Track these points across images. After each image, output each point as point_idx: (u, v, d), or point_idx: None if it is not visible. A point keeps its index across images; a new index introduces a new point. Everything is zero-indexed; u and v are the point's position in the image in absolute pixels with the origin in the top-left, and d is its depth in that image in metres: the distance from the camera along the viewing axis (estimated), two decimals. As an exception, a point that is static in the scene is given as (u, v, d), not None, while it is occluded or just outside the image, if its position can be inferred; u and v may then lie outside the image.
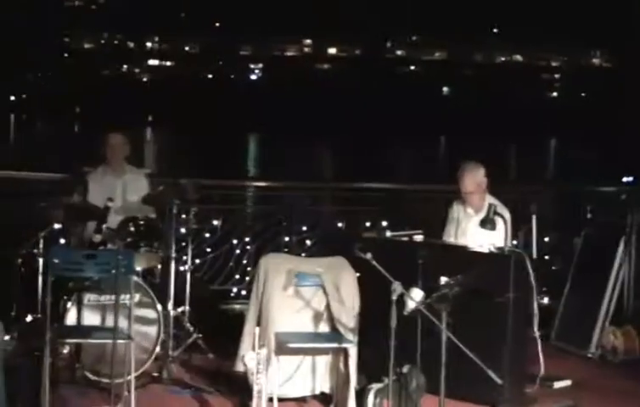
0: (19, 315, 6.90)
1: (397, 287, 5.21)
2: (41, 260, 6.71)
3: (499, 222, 6.35)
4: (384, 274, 5.31)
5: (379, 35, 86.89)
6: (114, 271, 5.88)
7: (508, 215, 6.47)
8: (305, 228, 9.04)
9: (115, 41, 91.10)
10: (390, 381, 5.38)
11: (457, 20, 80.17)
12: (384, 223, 8.18)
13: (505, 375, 5.91)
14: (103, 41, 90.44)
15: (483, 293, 6.02)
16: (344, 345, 6.01)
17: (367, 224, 8.39)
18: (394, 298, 5.20)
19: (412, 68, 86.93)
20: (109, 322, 6.40)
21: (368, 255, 5.44)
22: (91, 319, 6.46)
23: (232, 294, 8.74)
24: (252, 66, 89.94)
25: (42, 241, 6.73)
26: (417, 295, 5.68)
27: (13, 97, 71.73)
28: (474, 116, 66.88)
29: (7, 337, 5.82)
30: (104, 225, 6.61)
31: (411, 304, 5.63)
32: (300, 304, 6.11)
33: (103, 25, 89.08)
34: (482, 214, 6.51)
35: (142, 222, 6.71)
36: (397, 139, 49.96)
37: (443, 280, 5.68)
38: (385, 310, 5.23)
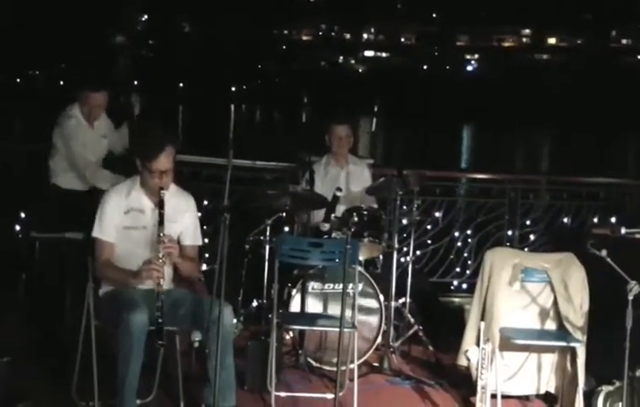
0: (245, 301, 7.11)
1: (634, 287, 4.95)
2: (267, 247, 6.87)
3: None
4: (619, 272, 5.06)
5: (604, 24, 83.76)
6: (338, 261, 5.94)
7: None
8: (528, 222, 8.81)
9: (332, 33, 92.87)
10: (625, 385, 5.12)
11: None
12: (613, 219, 7.84)
13: None
14: (320, 33, 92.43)
15: None
16: (571, 344, 5.79)
17: (595, 220, 8.07)
18: (630, 297, 4.95)
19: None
20: (331, 310, 6.49)
21: (603, 252, 5.19)
22: (314, 306, 6.56)
23: (452, 287, 8.66)
24: (468, 57, 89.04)
25: (268, 228, 6.88)
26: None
27: (233, 88, 74.52)
28: None
29: (234, 321, 5.99)
30: (332, 215, 6.68)
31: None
32: (526, 300, 5.94)
33: (321, 16, 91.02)
34: None
35: (365, 212, 6.72)
36: (620, 131, 47.91)
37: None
38: (617, 310, 4.99)
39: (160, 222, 5.24)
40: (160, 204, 5.28)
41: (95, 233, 5.39)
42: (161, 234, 5.21)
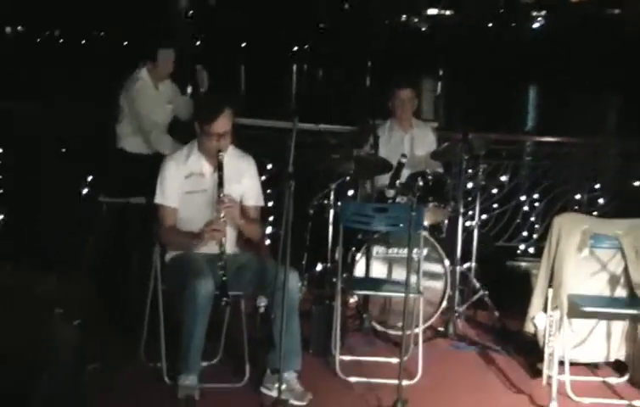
0: (309, 264, 7.12)
1: None
2: (332, 211, 6.85)
3: None
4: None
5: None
6: (402, 226, 5.90)
7: None
8: (597, 186, 8.64)
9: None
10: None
11: None
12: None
13: None
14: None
15: None
16: (642, 312, 5.69)
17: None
18: None
19: None
20: (396, 275, 6.47)
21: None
22: (378, 271, 6.53)
23: (518, 252, 8.55)
24: (534, 14, 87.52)
25: (332, 192, 6.86)
26: None
27: (295, 48, 74.37)
28: None
29: (299, 284, 5.99)
30: (397, 181, 6.62)
31: None
32: (595, 267, 5.83)
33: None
34: None
35: (430, 177, 6.65)
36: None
37: None
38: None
39: (220, 184, 5.28)
40: (218, 166, 5.31)
41: (157, 200, 5.45)
42: (221, 195, 5.24)
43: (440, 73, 49.84)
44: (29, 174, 8.40)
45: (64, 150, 8.43)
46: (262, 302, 5.16)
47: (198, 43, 65.82)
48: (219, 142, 5.34)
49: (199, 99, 6.75)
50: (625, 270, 5.78)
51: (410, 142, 7.28)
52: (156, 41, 6.93)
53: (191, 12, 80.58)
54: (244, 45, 72.63)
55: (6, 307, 6.31)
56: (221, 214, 5.25)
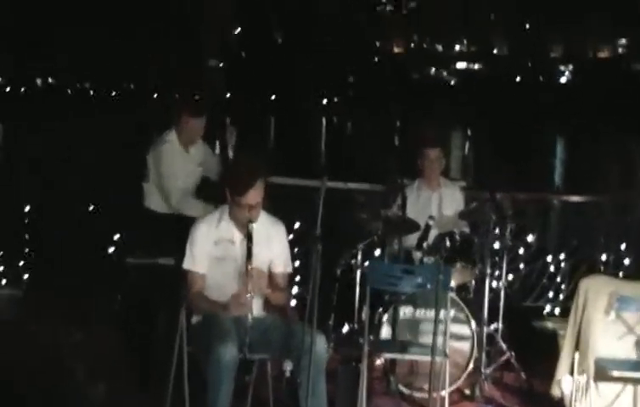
0: (336, 325, 7.12)
1: None
2: (359, 272, 6.87)
3: None
4: None
5: None
6: (429, 287, 5.90)
7: None
8: (623, 246, 8.60)
9: (424, 45, 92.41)
10: None
11: None
12: None
13: None
14: (412, 45, 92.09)
15: None
16: (670, 377, 5.64)
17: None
18: None
19: None
20: (423, 337, 6.45)
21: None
22: (405, 332, 6.53)
23: (544, 312, 8.52)
24: (562, 68, 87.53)
25: (360, 252, 6.88)
26: None
27: (325, 101, 74.76)
28: None
29: (325, 345, 5.99)
30: (425, 243, 6.64)
31: None
32: (622, 330, 5.78)
33: (413, 28, 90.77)
34: None
35: (458, 237, 6.67)
36: None
37: None
38: None
39: (248, 256, 5.28)
40: (248, 237, 5.32)
41: (186, 265, 5.47)
42: (249, 267, 5.25)
43: (469, 132, 49.80)
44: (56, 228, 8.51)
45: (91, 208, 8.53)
46: (288, 366, 5.16)
47: (228, 95, 66.39)
48: (250, 212, 5.35)
49: (228, 162, 6.78)
50: (653, 333, 5.75)
51: (438, 202, 7.31)
52: (188, 109, 6.98)
53: (221, 64, 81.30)
54: (273, 97, 73.12)
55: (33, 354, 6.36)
56: (249, 288, 5.24)
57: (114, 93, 71.95)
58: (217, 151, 7.27)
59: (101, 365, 5.92)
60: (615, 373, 5.63)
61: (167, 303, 6.01)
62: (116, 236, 8.25)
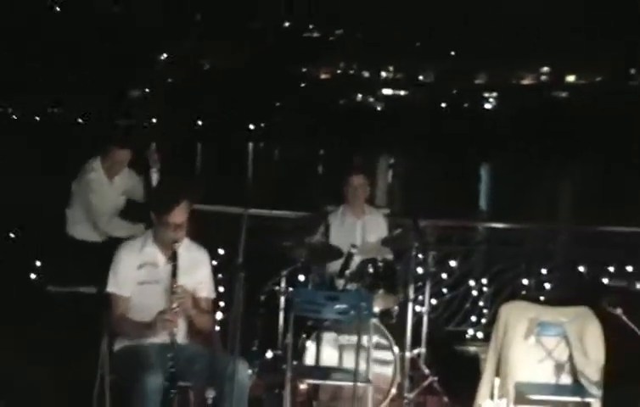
0: (260, 351, 7.11)
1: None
2: (283, 298, 6.87)
3: None
4: (636, 331, 5.04)
5: (622, 61, 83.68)
6: (353, 313, 5.94)
7: None
8: (544, 271, 8.77)
9: (351, 71, 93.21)
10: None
11: None
12: (630, 268, 7.80)
13: None
14: (339, 71, 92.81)
15: None
16: (587, 399, 5.76)
17: (610, 269, 8.03)
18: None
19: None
20: (346, 362, 6.47)
21: (618, 310, 5.18)
22: (329, 357, 6.54)
23: (467, 336, 8.62)
24: (487, 95, 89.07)
25: (283, 279, 6.89)
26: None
27: (252, 126, 74.82)
28: None
29: (249, 372, 5.98)
30: (347, 271, 6.68)
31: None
32: (541, 354, 5.91)
33: (339, 55, 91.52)
34: None
35: (380, 264, 6.72)
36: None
37: None
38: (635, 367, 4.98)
39: (173, 274, 5.27)
40: (172, 257, 5.32)
41: (110, 288, 5.42)
42: (174, 285, 5.24)
43: (392, 161, 50.31)
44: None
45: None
46: (211, 393, 5.15)
47: (154, 121, 65.98)
48: (175, 232, 5.35)
49: (152, 186, 6.76)
50: (571, 357, 5.87)
51: (362, 229, 7.35)
52: (114, 140, 6.96)
53: (147, 90, 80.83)
54: (200, 123, 72.91)
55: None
56: (174, 305, 5.24)
57: (38, 118, 71.04)
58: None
59: (21, 396, 5.79)
60: (535, 397, 5.73)
61: (90, 331, 5.93)
62: (38, 263, 8.09)
